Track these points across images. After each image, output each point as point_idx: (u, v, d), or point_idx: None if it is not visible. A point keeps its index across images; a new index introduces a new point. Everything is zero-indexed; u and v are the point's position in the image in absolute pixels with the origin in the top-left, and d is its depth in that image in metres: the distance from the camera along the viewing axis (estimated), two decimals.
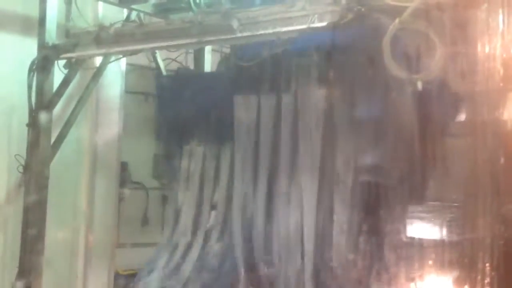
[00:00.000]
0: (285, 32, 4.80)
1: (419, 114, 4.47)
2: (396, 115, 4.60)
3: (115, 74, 6.65)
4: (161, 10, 5.68)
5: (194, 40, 5.17)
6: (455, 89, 4.03)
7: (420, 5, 3.99)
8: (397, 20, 4.01)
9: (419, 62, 4.17)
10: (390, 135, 4.70)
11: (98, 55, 6.06)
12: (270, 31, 4.83)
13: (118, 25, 5.67)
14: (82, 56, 5.86)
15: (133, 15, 5.99)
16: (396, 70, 4.01)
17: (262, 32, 4.87)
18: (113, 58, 6.19)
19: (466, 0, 3.95)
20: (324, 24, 4.53)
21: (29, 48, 5.86)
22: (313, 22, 4.60)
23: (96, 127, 6.59)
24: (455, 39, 3.94)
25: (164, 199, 7.25)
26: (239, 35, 4.95)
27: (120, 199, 6.91)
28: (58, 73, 5.92)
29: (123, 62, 6.66)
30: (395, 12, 4.09)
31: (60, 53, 5.81)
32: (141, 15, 5.82)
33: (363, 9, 4.30)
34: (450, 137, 4.24)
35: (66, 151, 6.12)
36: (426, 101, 4.35)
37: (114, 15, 6.05)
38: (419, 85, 3.98)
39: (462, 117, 4.11)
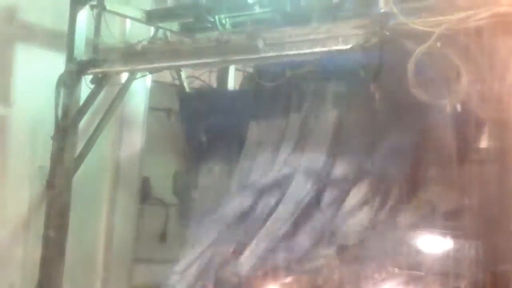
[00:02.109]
0: (309, 54, 4.84)
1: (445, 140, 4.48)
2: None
3: (139, 90, 6.75)
4: (187, 29, 5.76)
5: (219, 59, 5.23)
6: (480, 115, 4.01)
7: (445, 31, 4.00)
8: (422, 46, 4.02)
9: (444, 88, 4.17)
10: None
11: (125, 71, 6.14)
12: (295, 52, 4.87)
13: (145, 42, 5.76)
14: (108, 72, 5.94)
15: (160, 33, 6.09)
16: (421, 95, 4.01)
17: (286, 53, 4.91)
18: (139, 74, 6.28)
19: (492, 25, 3.95)
20: (348, 47, 4.56)
21: (57, 63, 5.98)
22: (337, 45, 4.63)
23: (119, 142, 6.68)
24: (481, 65, 3.94)
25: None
26: (263, 55, 4.99)
27: (140, 214, 6.95)
28: (85, 88, 6.01)
29: (148, 78, 6.75)
30: (420, 37, 4.11)
31: (87, 68, 5.90)
32: (168, 33, 5.91)
33: (387, 33, 4.32)
34: (475, 163, 4.22)
35: (89, 165, 6.18)
36: (451, 127, 4.35)
37: (141, 32, 6.15)
38: (445, 110, 3.98)
39: (487, 143, 4.08)
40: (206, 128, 6.39)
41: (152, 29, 6.26)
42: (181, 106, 6.89)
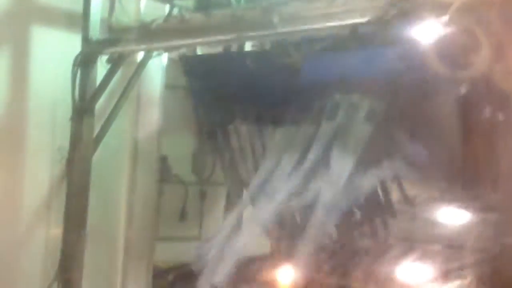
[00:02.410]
0: (325, 28, 4.77)
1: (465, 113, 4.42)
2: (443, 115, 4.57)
3: (155, 68, 6.73)
4: (202, 6, 5.71)
5: (234, 35, 5.17)
6: (501, 88, 3.94)
7: (466, 1, 3.90)
8: (442, 17, 3.92)
9: (465, 60, 4.09)
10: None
11: (140, 50, 6.13)
12: (311, 26, 4.80)
13: (160, 20, 5.72)
14: (124, 52, 5.93)
15: (175, 11, 6.04)
16: (440, 68, 3.93)
17: (302, 27, 4.84)
18: (155, 53, 6.25)
19: None
20: (365, 20, 4.47)
21: (73, 43, 5.97)
22: (355, 18, 4.55)
23: (136, 121, 6.69)
24: (503, 36, 3.84)
25: (202, 194, 7.32)
26: (279, 30, 4.93)
27: (159, 193, 6.99)
28: (101, 68, 6.01)
29: (163, 56, 6.72)
30: (440, 8, 4.01)
31: (103, 48, 5.88)
32: (183, 10, 5.86)
33: (406, 5, 4.22)
34: (494, 137, 4.16)
35: (107, 145, 6.21)
36: (472, 100, 4.28)
37: (156, 10, 6.11)
38: (466, 84, 3.91)
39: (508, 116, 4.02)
40: (214, 94, 6.28)
41: (166, 7, 6.21)
42: (186, 73, 6.68)
